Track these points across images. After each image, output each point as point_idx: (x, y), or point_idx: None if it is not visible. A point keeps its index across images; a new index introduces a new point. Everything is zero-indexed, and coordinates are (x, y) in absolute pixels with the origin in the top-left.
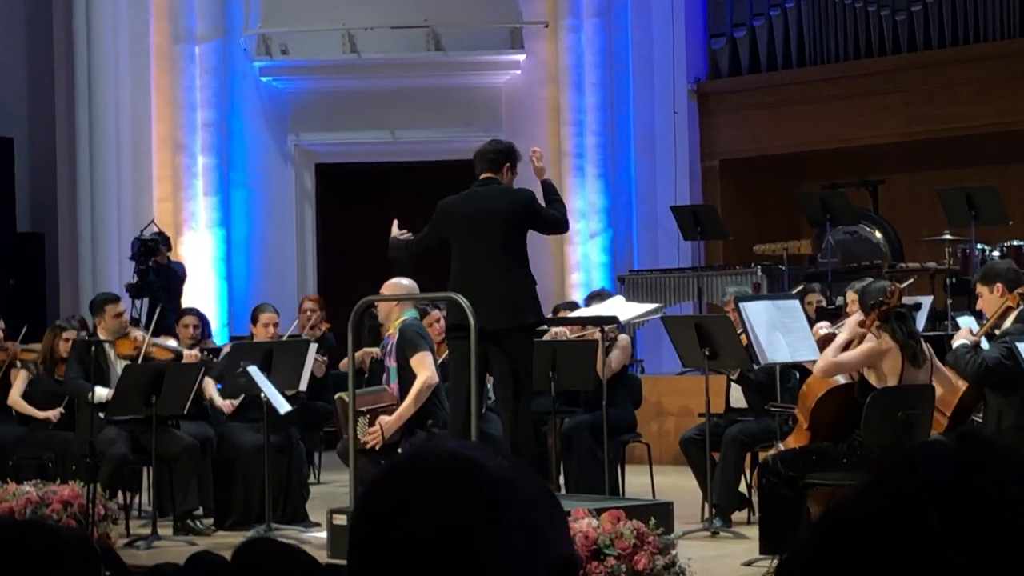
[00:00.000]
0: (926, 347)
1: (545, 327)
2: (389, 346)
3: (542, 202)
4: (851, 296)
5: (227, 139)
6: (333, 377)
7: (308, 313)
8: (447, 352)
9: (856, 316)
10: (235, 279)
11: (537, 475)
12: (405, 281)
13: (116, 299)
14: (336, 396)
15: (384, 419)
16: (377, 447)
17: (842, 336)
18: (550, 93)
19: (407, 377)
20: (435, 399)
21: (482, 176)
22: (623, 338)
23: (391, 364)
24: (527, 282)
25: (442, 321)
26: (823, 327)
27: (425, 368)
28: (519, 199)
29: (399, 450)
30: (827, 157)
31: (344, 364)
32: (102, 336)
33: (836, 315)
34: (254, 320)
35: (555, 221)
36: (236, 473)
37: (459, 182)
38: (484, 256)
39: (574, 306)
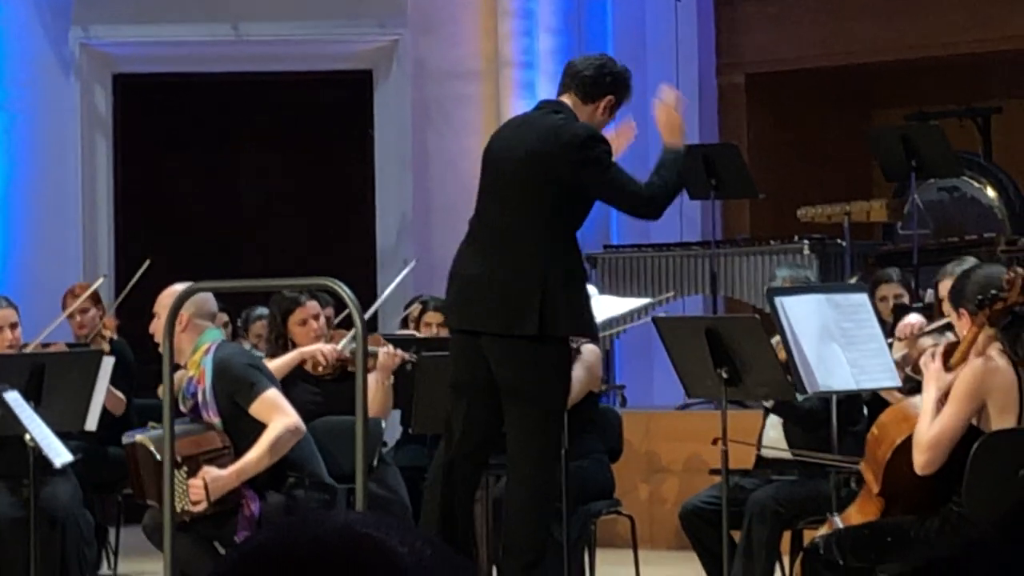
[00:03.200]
0: None
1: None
2: (199, 395)
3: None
4: (945, 291)
5: None
6: (138, 409)
7: (79, 317)
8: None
9: (937, 363)
10: None
11: (471, 565)
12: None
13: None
14: (135, 440)
15: (211, 471)
16: (203, 511)
17: (930, 395)
18: None
19: (246, 431)
20: (300, 446)
21: (559, 98)
22: (588, 349)
23: (213, 419)
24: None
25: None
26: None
27: (279, 411)
28: (558, 135)
29: (240, 534)
30: (912, 72)
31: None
32: None
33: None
34: None
35: (621, 191)
36: None
37: (343, 104)
38: (495, 221)
39: None
